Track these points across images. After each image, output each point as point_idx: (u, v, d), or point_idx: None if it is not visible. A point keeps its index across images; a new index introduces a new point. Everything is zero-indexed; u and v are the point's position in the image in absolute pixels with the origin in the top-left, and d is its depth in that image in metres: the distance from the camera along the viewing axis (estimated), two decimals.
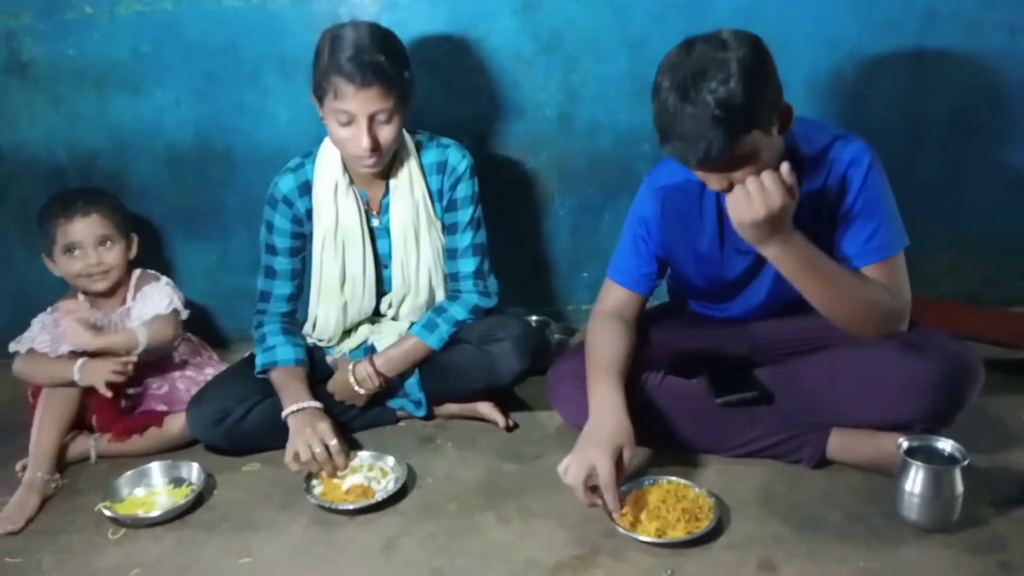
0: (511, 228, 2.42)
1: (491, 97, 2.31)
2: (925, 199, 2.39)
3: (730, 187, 1.53)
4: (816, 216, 1.65)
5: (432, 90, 2.27)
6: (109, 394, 1.87)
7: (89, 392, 1.91)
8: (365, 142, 1.75)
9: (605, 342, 1.76)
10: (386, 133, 1.78)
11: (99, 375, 1.87)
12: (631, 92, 2.31)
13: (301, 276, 2.04)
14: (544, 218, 2.46)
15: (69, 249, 2.03)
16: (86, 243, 2.03)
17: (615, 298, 1.85)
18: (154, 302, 2.06)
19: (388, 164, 1.91)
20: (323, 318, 2.00)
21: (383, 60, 1.73)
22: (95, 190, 2.16)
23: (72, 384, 1.90)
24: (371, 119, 1.75)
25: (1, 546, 1.68)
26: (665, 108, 1.45)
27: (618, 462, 1.57)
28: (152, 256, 2.23)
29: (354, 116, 1.75)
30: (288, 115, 2.28)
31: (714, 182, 1.54)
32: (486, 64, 2.28)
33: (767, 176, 1.45)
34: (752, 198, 1.45)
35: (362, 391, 1.95)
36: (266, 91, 2.27)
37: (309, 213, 1.96)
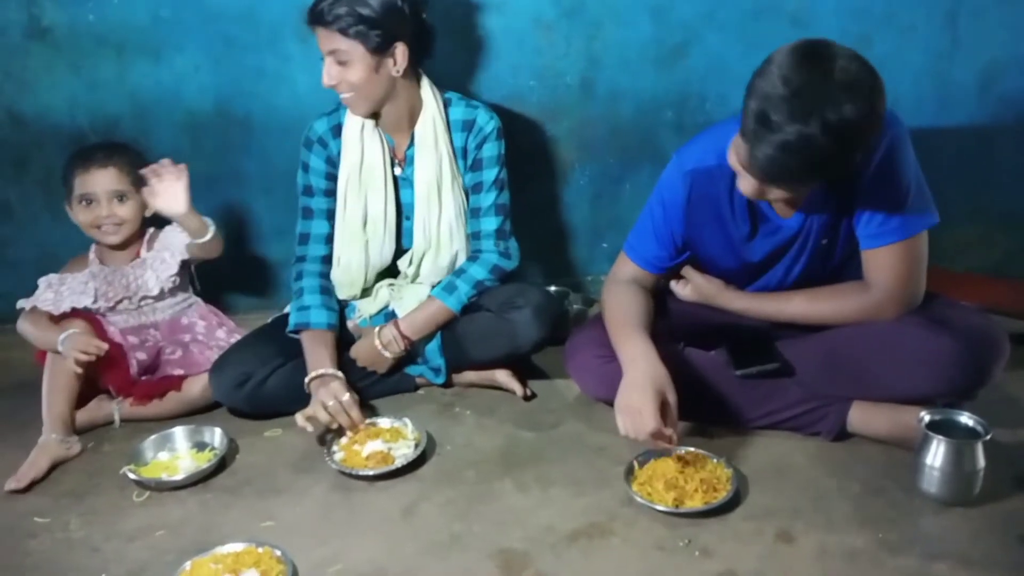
0: (530, 197, 2.40)
1: (512, 63, 2.28)
2: (952, 170, 2.35)
3: (758, 196, 1.53)
4: (848, 199, 1.62)
5: (452, 55, 2.24)
6: (78, 370, 1.89)
7: (98, 359, 1.91)
8: (324, 79, 1.86)
9: (625, 303, 1.76)
10: (347, 75, 1.85)
11: (72, 350, 1.88)
12: (654, 58, 2.28)
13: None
14: (564, 187, 2.44)
15: (84, 200, 2.04)
16: (100, 195, 2.04)
17: (630, 271, 1.85)
18: (177, 239, 2.10)
19: (415, 112, 1.96)
20: (346, 259, 2.03)
21: (330, 6, 1.79)
22: (119, 144, 2.17)
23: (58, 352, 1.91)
24: (332, 58, 1.84)
25: (30, 507, 1.72)
26: (778, 115, 1.36)
27: (665, 406, 1.57)
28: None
29: (324, 53, 1.85)
30: (307, 81, 2.25)
31: (750, 186, 1.51)
32: (507, 29, 2.25)
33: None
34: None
35: (388, 354, 1.97)
36: (286, 56, 2.25)
37: (341, 155, 2.00)
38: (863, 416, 1.71)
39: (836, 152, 1.39)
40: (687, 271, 1.84)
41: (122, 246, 2.10)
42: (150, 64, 2.26)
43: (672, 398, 1.58)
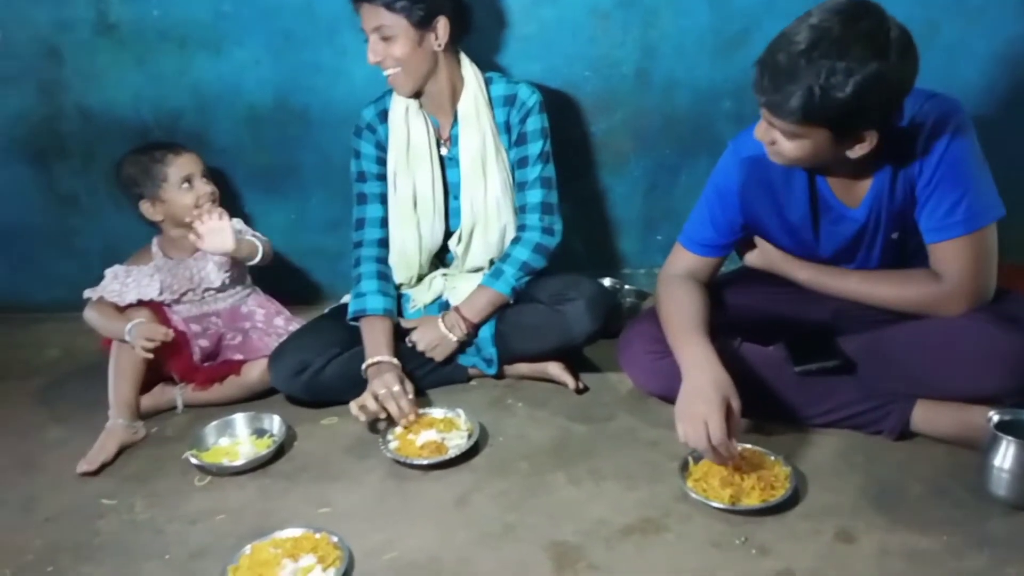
0: (584, 188, 2.39)
1: (566, 53, 2.27)
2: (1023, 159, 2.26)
3: (770, 144, 1.53)
4: (912, 191, 1.58)
5: (505, 44, 2.24)
6: (150, 356, 1.94)
7: (160, 347, 1.96)
8: (369, 56, 1.90)
9: (682, 301, 1.73)
10: (392, 50, 1.88)
11: (139, 338, 1.93)
12: (712, 47, 2.24)
13: None
14: (618, 179, 2.42)
15: (186, 181, 2.12)
16: (196, 175, 2.14)
17: (686, 263, 1.82)
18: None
19: (457, 91, 1.99)
20: (400, 241, 2.06)
21: None
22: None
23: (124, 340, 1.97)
24: (377, 35, 1.88)
25: (99, 489, 1.78)
26: (790, 39, 1.40)
27: (729, 414, 1.53)
28: (232, 214, 2.28)
29: (367, 32, 1.89)
30: (363, 74, 2.27)
31: (761, 128, 1.52)
32: (562, 19, 2.23)
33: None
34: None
35: (453, 337, 1.99)
36: (342, 50, 2.28)
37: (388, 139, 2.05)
38: (927, 415, 1.66)
39: (834, 100, 1.38)
40: (757, 238, 1.81)
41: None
42: (211, 58, 2.31)
43: (736, 405, 1.54)
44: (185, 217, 2.11)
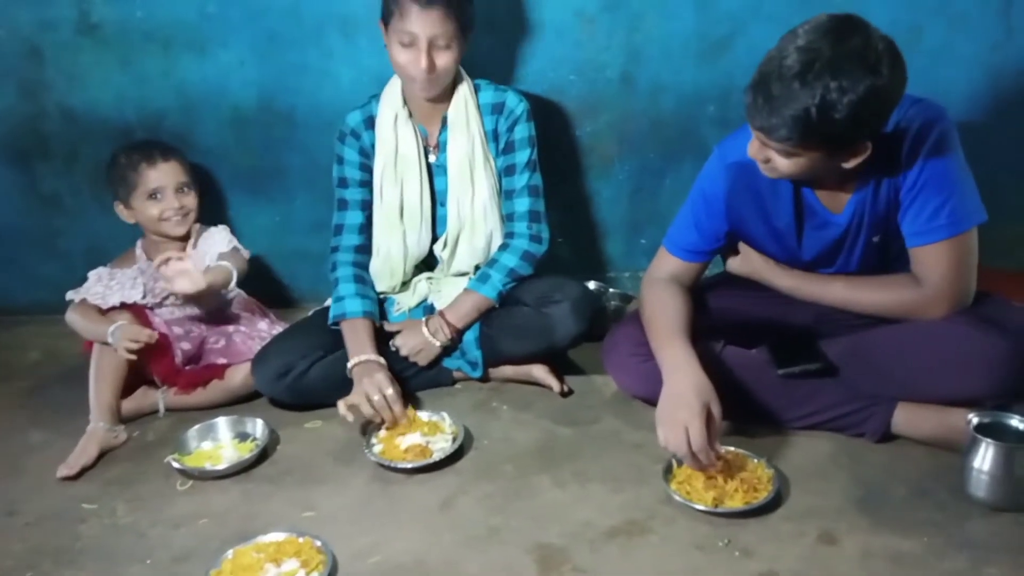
0: (569, 192, 2.40)
1: (552, 57, 2.27)
2: (1006, 164, 2.29)
3: (764, 161, 1.53)
4: (896, 196, 1.59)
5: (492, 49, 2.24)
6: (133, 357, 1.92)
7: (142, 349, 1.95)
8: (423, 63, 1.84)
9: (665, 305, 1.73)
10: (444, 59, 1.86)
11: (122, 340, 1.91)
12: (697, 51, 2.25)
13: (371, 208, 2.08)
14: (603, 182, 2.42)
15: (154, 194, 2.10)
16: (167, 188, 2.11)
17: (670, 267, 1.82)
18: (217, 243, 2.15)
19: (446, 98, 1.98)
20: (385, 249, 2.05)
21: None
22: (163, 141, 2.23)
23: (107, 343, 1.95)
24: (431, 43, 1.83)
25: (80, 493, 1.76)
26: (780, 63, 1.40)
27: (710, 419, 1.53)
28: (216, 216, 2.27)
29: (415, 37, 1.83)
30: (350, 76, 2.28)
31: (754, 146, 1.52)
32: (548, 22, 2.24)
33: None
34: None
35: (436, 342, 1.98)
36: (328, 52, 2.27)
37: (374, 147, 2.04)
38: (909, 417, 1.67)
39: (831, 121, 1.38)
40: (741, 245, 1.82)
41: (183, 238, 2.16)
42: (196, 59, 2.29)
43: (717, 410, 1.54)
44: (151, 228, 2.10)
